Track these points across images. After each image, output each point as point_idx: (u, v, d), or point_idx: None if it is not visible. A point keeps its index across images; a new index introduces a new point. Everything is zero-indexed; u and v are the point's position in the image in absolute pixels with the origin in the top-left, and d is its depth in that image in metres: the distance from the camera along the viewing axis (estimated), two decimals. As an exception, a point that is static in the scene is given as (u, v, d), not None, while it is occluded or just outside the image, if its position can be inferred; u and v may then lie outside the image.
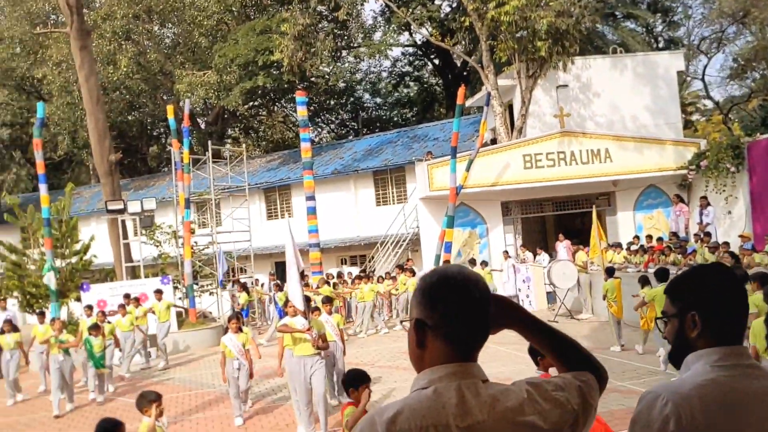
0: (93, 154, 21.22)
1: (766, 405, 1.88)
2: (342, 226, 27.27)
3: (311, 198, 20.31)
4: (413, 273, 19.41)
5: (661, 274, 11.18)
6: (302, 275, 10.72)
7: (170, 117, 19.78)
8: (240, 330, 10.23)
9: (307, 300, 9.74)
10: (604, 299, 13.61)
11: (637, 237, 19.60)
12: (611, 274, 13.60)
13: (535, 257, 21.01)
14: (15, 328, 14.23)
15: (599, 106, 23.26)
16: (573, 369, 1.91)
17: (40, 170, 18.66)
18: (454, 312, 1.78)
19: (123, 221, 19.81)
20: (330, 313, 11.04)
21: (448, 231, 20.47)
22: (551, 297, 19.58)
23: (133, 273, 20.27)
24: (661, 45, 37.19)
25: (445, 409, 1.70)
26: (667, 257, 15.37)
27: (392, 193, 27.07)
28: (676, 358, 2.08)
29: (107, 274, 22.52)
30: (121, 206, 18.82)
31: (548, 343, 1.97)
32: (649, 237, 19.29)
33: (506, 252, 21.20)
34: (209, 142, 21.73)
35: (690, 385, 1.91)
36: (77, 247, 21.43)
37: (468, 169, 20.45)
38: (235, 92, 30.21)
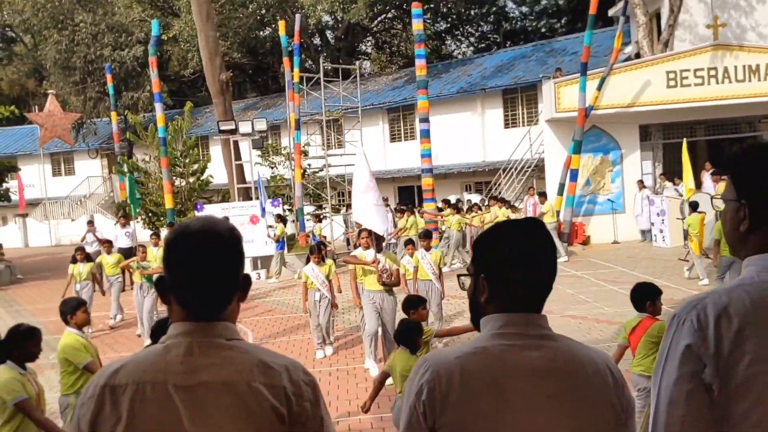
0: (204, 72, 22.20)
1: (538, 382, 1.78)
2: (467, 149, 27.06)
3: (425, 120, 20.14)
4: (504, 202, 19.04)
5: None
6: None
7: (281, 33, 20.21)
8: (322, 261, 10.47)
9: (378, 236, 9.84)
10: (685, 236, 13.77)
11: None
12: (695, 209, 13.49)
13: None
14: (88, 258, 13.72)
15: (764, 15, 21.11)
16: None
17: (156, 89, 19.86)
18: (181, 271, 1.82)
19: (236, 142, 20.75)
20: (428, 249, 10.58)
21: (574, 157, 19.76)
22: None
23: (246, 194, 21.34)
24: None
25: (167, 367, 1.76)
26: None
27: (522, 113, 26.38)
28: (475, 323, 2.01)
29: (224, 195, 23.86)
30: (233, 126, 19.69)
31: None
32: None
33: (641, 182, 20.19)
34: (320, 60, 22.06)
35: (458, 353, 1.84)
36: (195, 167, 22.81)
37: (599, 87, 19.45)
38: (360, 4, 30.18)
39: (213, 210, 19.71)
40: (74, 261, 13.43)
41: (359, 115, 22.72)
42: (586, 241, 20.53)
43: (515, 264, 1.88)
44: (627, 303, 7.47)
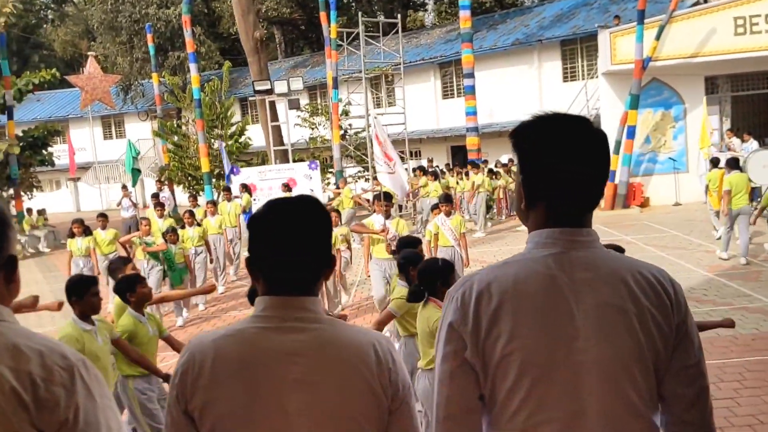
0: (238, 30, 22.37)
1: (288, 365, 1.81)
2: (523, 105, 26.48)
3: (470, 75, 19.95)
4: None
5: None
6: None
7: (318, -13, 20.16)
8: None
9: (387, 197, 9.84)
10: (706, 190, 14.80)
11: None
12: (715, 165, 14.21)
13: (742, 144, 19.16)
14: (87, 231, 12.32)
15: None
16: None
17: (190, 49, 20.16)
18: None
19: (272, 102, 20.93)
20: (448, 214, 10.45)
21: (631, 113, 19.25)
22: (756, 193, 17.84)
23: (284, 157, 21.57)
24: None
25: None
26: None
27: (581, 66, 25.74)
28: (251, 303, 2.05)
29: (263, 158, 24.15)
30: (268, 86, 19.87)
31: None
32: None
33: (705, 138, 19.51)
34: (359, 14, 21.89)
35: (216, 335, 1.88)
36: (233, 129, 23.12)
37: (658, 37, 18.81)
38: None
39: (249, 173, 20.01)
40: (72, 235, 12.28)
41: (401, 72, 22.55)
42: (644, 203, 20.05)
43: (265, 246, 1.90)
44: (670, 270, 7.14)
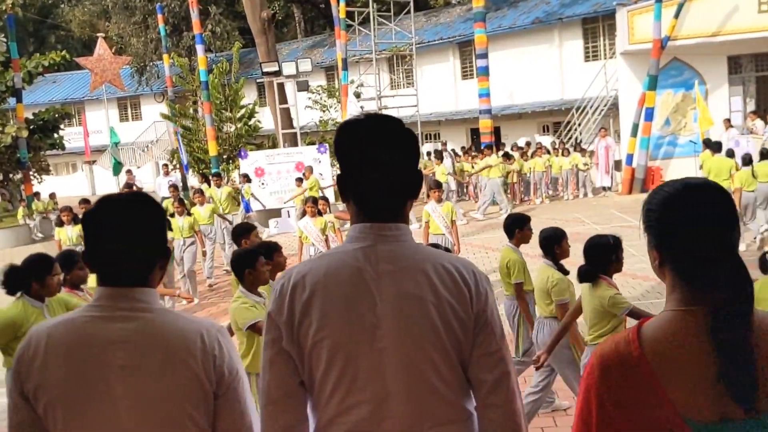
0: (245, 10, 22.55)
1: (115, 352, 1.98)
2: (544, 86, 26.54)
3: (483, 56, 19.98)
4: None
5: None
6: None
7: (327, -35, 20.29)
8: (319, 214, 10.62)
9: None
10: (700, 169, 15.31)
11: None
12: (708, 146, 14.74)
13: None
14: (77, 219, 11.52)
15: None
16: None
17: (197, 30, 20.42)
18: None
19: (281, 84, 21.11)
20: (439, 201, 10.42)
21: (648, 94, 19.17)
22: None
23: (293, 140, 21.78)
24: None
25: None
26: None
27: (603, 45, 25.60)
28: None
29: (274, 141, 24.38)
30: (276, 68, 20.04)
31: None
32: None
33: (728, 120, 19.38)
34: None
35: (52, 323, 2.08)
36: (242, 112, 23.37)
37: (677, 15, 18.66)
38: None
39: (257, 157, 20.24)
40: (60, 223, 11.65)
41: (413, 52, 22.62)
42: (663, 188, 19.94)
43: (97, 240, 2.08)
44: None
